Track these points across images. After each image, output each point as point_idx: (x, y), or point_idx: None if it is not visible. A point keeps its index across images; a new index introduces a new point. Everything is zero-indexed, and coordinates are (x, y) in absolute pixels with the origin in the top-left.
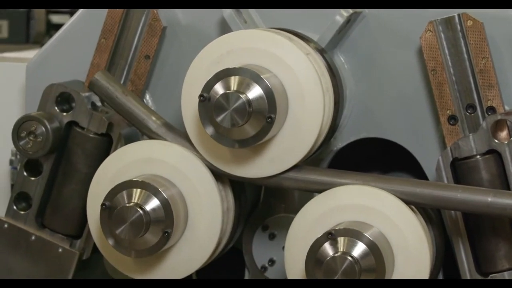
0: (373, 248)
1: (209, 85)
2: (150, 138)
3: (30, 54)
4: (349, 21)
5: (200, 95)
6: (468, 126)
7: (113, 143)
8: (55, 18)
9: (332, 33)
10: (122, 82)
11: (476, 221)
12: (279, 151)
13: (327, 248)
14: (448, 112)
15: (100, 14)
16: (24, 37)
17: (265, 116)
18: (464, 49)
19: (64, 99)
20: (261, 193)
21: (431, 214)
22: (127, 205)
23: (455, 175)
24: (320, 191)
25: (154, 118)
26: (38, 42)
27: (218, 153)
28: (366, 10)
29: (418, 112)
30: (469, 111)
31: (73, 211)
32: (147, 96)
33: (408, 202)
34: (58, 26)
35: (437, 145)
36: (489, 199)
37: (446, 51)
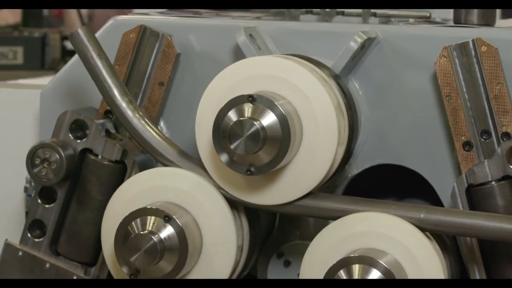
0: (388, 276)
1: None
2: (164, 165)
3: (44, 80)
4: (363, 47)
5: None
6: (483, 152)
7: (128, 170)
8: (70, 45)
9: (346, 59)
10: None
11: (492, 248)
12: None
13: (342, 275)
14: (463, 138)
15: (114, 41)
16: (39, 63)
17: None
18: (478, 75)
19: (78, 126)
20: (276, 220)
21: (446, 241)
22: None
23: (470, 202)
24: (335, 218)
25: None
26: (53, 68)
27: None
28: (380, 36)
29: (433, 138)
30: (484, 137)
31: (87, 238)
32: (162, 123)
33: (423, 229)
34: (73, 52)
35: (452, 171)
36: (505, 226)
37: (461, 76)
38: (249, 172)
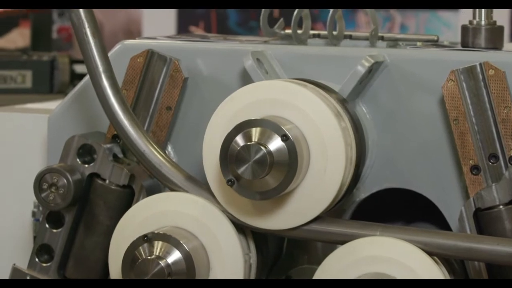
0: None
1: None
2: (172, 190)
3: (53, 105)
4: (370, 71)
5: (228, 180)
6: (491, 176)
7: (135, 195)
8: (79, 68)
9: (353, 83)
10: None
11: (500, 272)
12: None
13: None
14: (470, 162)
15: (122, 65)
16: (48, 87)
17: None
18: (486, 99)
19: (86, 150)
20: (284, 244)
21: (454, 265)
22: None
23: (478, 226)
24: (343, 243)
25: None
26: (62, 92)
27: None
28: (388, 60)
29: (441, 162)
30: (491, 160)
31: (95, 263)
32: (169, 147)
33: (431, 253)
34: (81, 76)
35: (459, 195)
36: None
37: (468, 100)
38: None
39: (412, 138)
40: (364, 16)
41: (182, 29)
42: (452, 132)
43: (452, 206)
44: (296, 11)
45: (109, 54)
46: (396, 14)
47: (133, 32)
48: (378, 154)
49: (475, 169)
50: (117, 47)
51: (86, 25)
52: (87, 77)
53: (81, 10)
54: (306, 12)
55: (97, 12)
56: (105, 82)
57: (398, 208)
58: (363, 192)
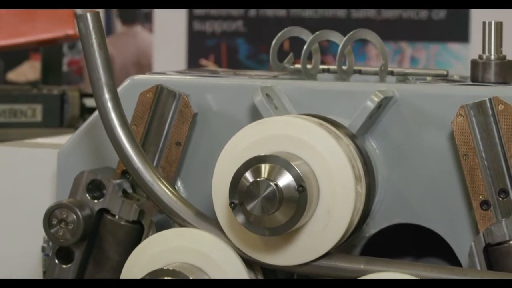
0: None
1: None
2: (181, 226)
3: (63, 139)
4: (380, 106)
5: (231, 203)
6: (500, 211)
7: (145, 231)
8: (89, 102)
9: (363, 118)
10: None
11: None
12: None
13: None
14: (480, 197)
15: (131, 100)
16: (58, 121)
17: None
18: (495, 134)
19: (95, 186)
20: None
21: None
22: None
23: (488, 261)
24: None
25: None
26: (72, 126)
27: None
28: (397, 95)
29: (451, 197)
30: (501, 196)
31: None
32: (179, 183)
33: None
34: (92, 110)
35: (469, 230)
36: None
37: (478, 135)
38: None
39: (421, 173)
40: (374, 49)
41: (193, 61)
42: (462, 167)
43: (462, 242)
44: (305, 46)
45: (119, 90)
46: (406, 47)
47: (143, 64)
48: (387, 189)
49: (485, 204)
50: (126, 82)
51: (93, 36)
52: (96, 113)
53: (89, 20)
54: (315, 46)
55: (108, 45)
56: (109, 104)
57: (409, 243)
58: (373, 227)
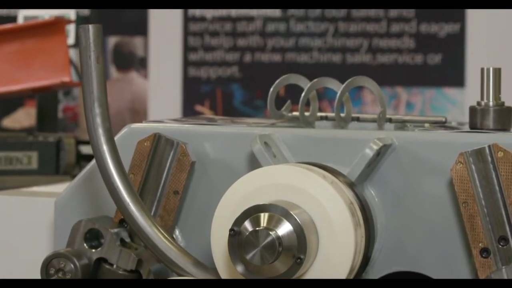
0: None
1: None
2: (179, 275)
3: (59, 187)
4: (379, 154)
5: (231, 229)
6: (501, 258)
7: None
8: (85, 149)
9: (362, 166)
10: None
11: None
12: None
13: None
14: (480, 244)
15: (129, 149)
16: (54, 168)
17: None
18: (495, 181)
19: (93, 235)
20: None
21: None
22: None
23: None
24: None
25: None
26: (68, 173)
27: None
28: (396, 142)
29: (450, 245)
30: (501, 243)
31: None
32: (177, 232)
33: None
34: (87, 157)
35: (469, 278)
36: None
37: (477, 183)
38: None
39: (421, 220)
40: (370, 94)
41: (188, 107)
42: (461, 214)
43: None
44: (303, 94)
45: (116, 138)
46: (402, 92)
47: (139, 110)
48: (387, 237)
49: (484, 252)
50: (123, 130)
51: (92, 49)
52: (93, 161)
53: (91, 32)
54: (313, 94)
55: None
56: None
57: None
58: (372, 275)
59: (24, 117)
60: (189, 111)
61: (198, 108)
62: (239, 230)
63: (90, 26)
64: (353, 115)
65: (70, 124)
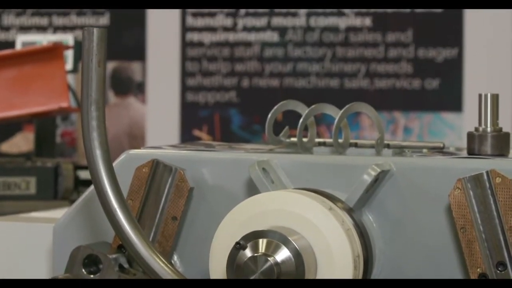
0: None
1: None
2: None
3: (57, 213)
4: (377, 180)
5: (237, 243)
6: None
7: None
8: (83, 174)
9: (360, 192)
10: None
11: None
12: None
13: None
14: (478, 270)
15: (127, 175)
16: (52, 194)
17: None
18: (493, 207)
19: (91, 261)
20: None
21: None
22: None
23: None
24: None
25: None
26: (66, 198)
27: None
28: (394, 168)
29: (448, 270)
30: (499, 268)
31: None
32: (175, 257)
33: None
34: (85, 182)
35: None
36: None
37: (476, 208)
38: None
39: (419, 246)
40: (367, 119)
41: (186, 132)
42: (459, 240)
43: None
44: (301, 120)
45: (114, 164)
46: (400, 117)
47: (136, 135)
48: (385, 262)
49: (483, 277)
50: (122, 156)
51: (95, 52)
52: (92, 187)
53: (95, 35)
54: (311, 120)
55: None
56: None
57: None
58: None
59: (22, 142)
60: (187, 135)
61: (196, 132)
62: (245, 244)
63: (95, 29)
64: (351, 141)
65: (68, 149)
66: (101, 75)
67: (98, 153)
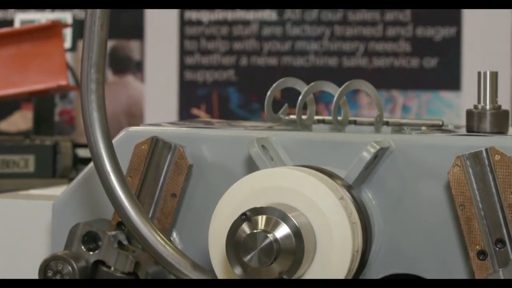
0: None
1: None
2: (177, 277)
3: (56, 190)
4: (376, 157)
5: (243, 214)
6: (498, 261)
7: None
8: (82, 152)
9: (359, 169)
10: None
11: None
12: None
13: None
14: (477, 247)
15: (126, 152)
16: (51, 172)
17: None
18: (492, 184)
19: (91, 238)
20: None
21: None
22: None
23: None
24: None
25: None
26: (65, 176)
27: None
28: (393, 145)
29: (447, 247)
30: (498, 246)
31: None
32: (174, 234)
33: None
34: (84, 160)
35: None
36: None
37: (474, 186)
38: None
39: (418, 223)
40: (365, 97)
41: (184, 111)
42: (458, 217)
43: None
44: (300, 97)
45: (114, 141)
46: (398, 95)
47: (135, 114)
48: (384, 240)
49: (481, 254)
50: (121, 134)
51: (98, 16)
52: (91, 164)
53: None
54: (310, 97)
55: None
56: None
57: None
58: (369, 277)
59: (20, 121)
60: (185, 114)
61: (195, 111)
62: (251, 216)
63: None
64: (350, 118)
65: (66, 127)
66: (103, 39)
67: (95, 116)
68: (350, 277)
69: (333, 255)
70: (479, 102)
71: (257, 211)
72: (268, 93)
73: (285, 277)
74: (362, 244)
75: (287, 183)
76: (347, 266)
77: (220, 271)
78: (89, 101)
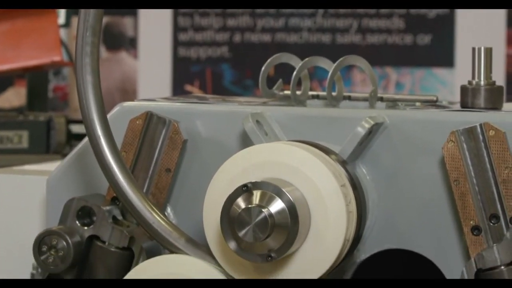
0: None
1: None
2: (172, 252)
3: (50, 166)
4: (370, 132)
5: (244, 185)
6: (492, 236)
7: (135, 257)
8: (76, 128)
9: (353, 144)
10: None
11: None
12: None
13: None
14: (471, 222)
15: (121, 127)
16: (45, 147)
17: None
18: (486, 159)
19: (85, 213)
20: None
21: None
22: None
23: None
24: None
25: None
26: (59, 152)
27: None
28: (388, 121)
29: (441, 222)
30: (492, 221)
31: None
32: (169, 209)
33: None
34: (78, 136)
35: (460, 256)
36: None
37: (469, 161)
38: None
39: (412, 199)
40: (359, 74)
41: (178, 87)
42: (453, 192)
43: (453, 267)
44: (295, 72)
45: (108, 116)
46: (391, 72)
47: (128, 90)
48: (378, 215)
49: (476, 229)
50: (115, 109)
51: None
52: (85, 139)
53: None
54: (305, 73)
55: None
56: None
57: (399, 269)
58: (364, 253)
59: (13, 97)
60: (179, 91)
61: (188, 88)
62: (252, 187)
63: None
64: (345, 94)
65: (60, 103)
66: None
67: (89, 79)
68: (344, 253)
69: (327, 230)
70: (473, 78)
71: (252, 186)
72: (263, 68)
73: (275, 255)
74: (356, 219)
75: (282, 158)
76: (341, 241)
77: (214, 246)
78: (83, 64)
